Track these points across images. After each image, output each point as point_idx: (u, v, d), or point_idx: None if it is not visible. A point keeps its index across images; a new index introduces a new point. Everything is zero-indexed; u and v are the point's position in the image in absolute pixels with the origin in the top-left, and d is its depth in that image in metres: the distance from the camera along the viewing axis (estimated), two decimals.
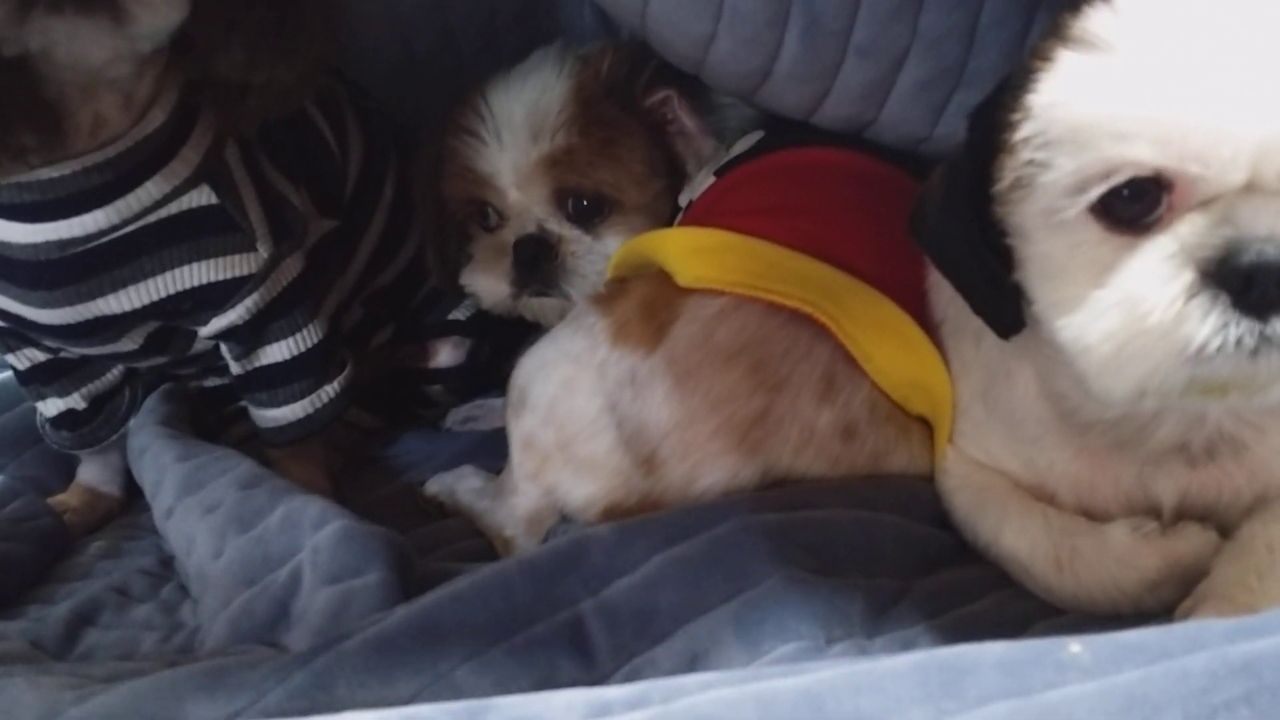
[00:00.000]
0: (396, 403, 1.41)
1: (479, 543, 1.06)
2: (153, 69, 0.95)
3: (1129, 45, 0.64)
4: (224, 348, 1.12)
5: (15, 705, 0.71)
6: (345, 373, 1.17)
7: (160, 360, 1.16)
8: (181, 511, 1.04)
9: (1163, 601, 0.77)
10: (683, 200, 1.17)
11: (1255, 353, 0.62)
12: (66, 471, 1.25)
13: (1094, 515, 0.83)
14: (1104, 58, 0.64)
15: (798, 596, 0.77)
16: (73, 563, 1.11)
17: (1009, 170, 0.70)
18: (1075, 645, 0.48)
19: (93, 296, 0.99)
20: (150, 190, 0.97)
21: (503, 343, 1.36)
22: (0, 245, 0.96)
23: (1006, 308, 0.76)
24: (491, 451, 1.17)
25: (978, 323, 0.80)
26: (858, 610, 0.78)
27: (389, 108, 1.36)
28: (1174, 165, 0.62)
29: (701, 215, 1.08)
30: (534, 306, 1.22)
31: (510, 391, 1.05)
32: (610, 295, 1.02)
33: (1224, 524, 0.79)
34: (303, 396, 1.13)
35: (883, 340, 0.90)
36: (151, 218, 0.98)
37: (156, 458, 1.12)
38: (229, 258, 1.03)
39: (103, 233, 0.96)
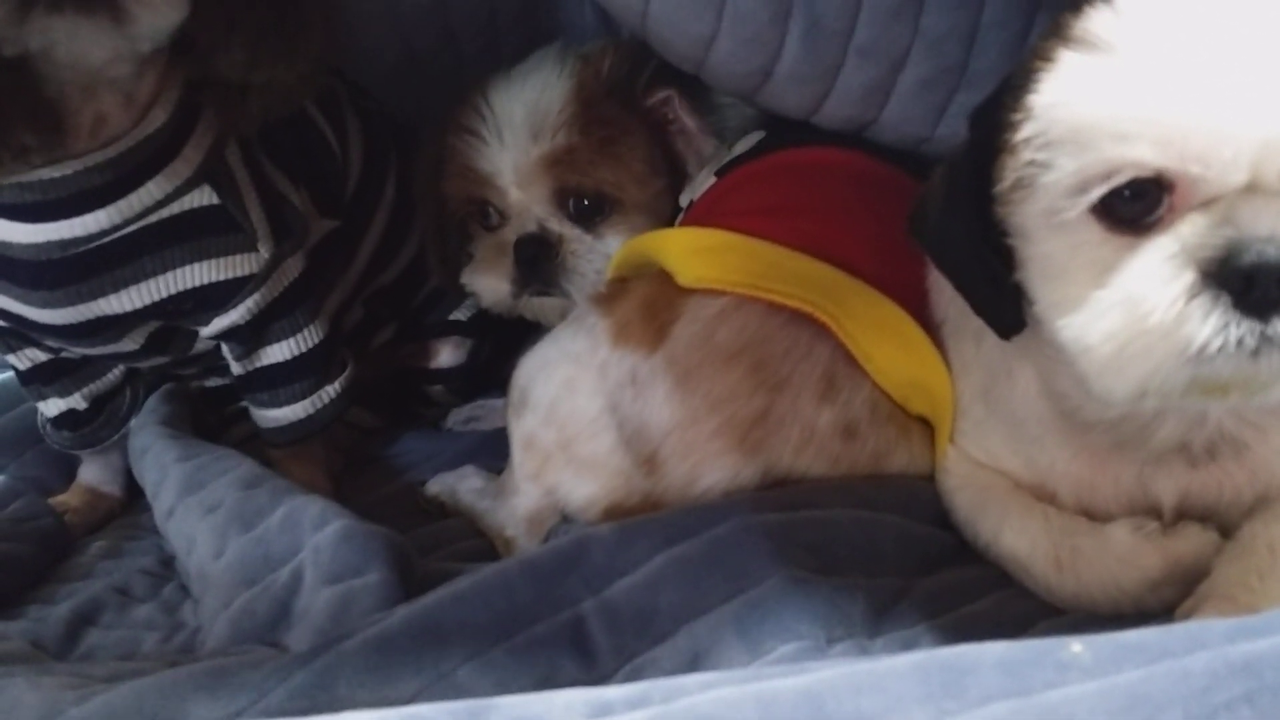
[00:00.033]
0: (397, 403, 1.41)
1: (480, 543, 1.06)
2: (154, 69, 0.95)
3: (1130, 46, 0.64)
4: (225, 348, 1.12)
5: (16, 705, 0.71)
6: (346, 373, 1.17)
7: (161, 360, 1.16)
8: (182, 511, 1.04)
9: (1164, 601, 0.77)
10: (683, 200, 1.17)
11: (1256, 353, 0.62)
12: (67, 472, 1.25)
13: (1095, 515, 0.83)
14: (1105, 58, 0.64)
15: (799, 596, 0.77)
16: (74, 563, 1.11)
17: (1010, 170, 0.70)
18: (1076, 645, 0.48)
19: (94, 296, 0.99)
20: (151, 190, 0.97)
21: (504, 343, 1.36)
22: (2, 245, 0.96)
23: (1007, 308, 0.76)
24: (492, 452, 1.17)
25: (978, 323, 0.80)
26: (859, 610, 0.78)
27: (389, 108, 1.36)
28: (1175, 166, 0.62)
29: (702, 215, 1.08)
30: (534, 306, 1.22)
31: (511, 392, 1.05)
32: (611, 295, 1.02)
33: (1225, 524, 0.79)
34: (304, 397, 1.13)
35: (883, 340, 0.90)
36: (153, 218, 0.98)
37: (158, 458, 1.12)
38: (230, 258, 1.03)
39: (104, 233, 0.96)
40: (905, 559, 0.85)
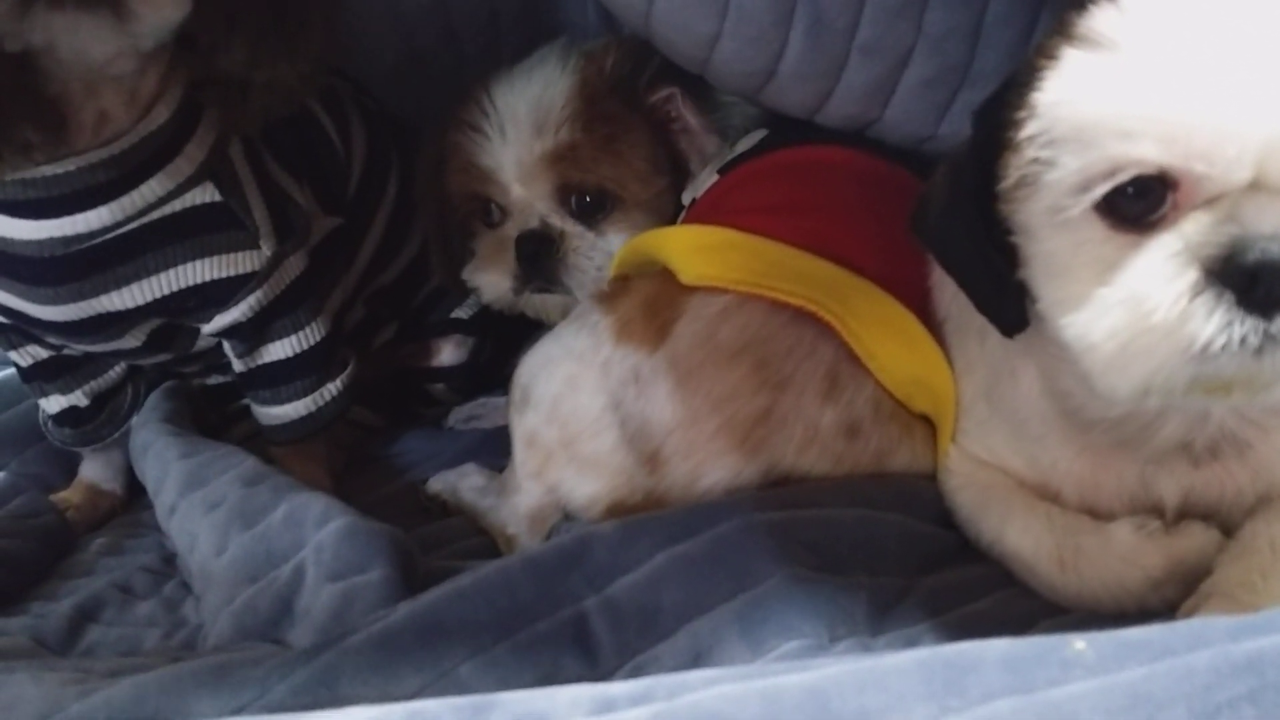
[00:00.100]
0: (399, 401, 1.41)
1: (482, 541, 1.06)
2: (156, 66, 0.96)
3: (1134, 43, 0.64)
4: (227, 345, 1.12)
5: (18, 701, 0.71)
6: (348, 371, 1.17)
7: (163, 357, 1.16)
8: (184, 509, 1.04)
9: (1166, 600, 0.77)
10: (686, 198, 1.17)
11: (1259, 351, 0.61)
12: (69, 469, 1.25)
13: (1097, 514, 0.83)
14: (1109, 56, 0.64)
15: (801, 595, 0.77)
16: (75, 560, 1.11)
17: (1014, 168, 0.70)
18: (1079, 642, 0.48)
19: (96, 293, 0.99)
20: (154, 187, 0.97)
21: (505, 341, 1.36)
22: (4, 242, 0.96)
23: (1010, 306, 0.76)
24: (494, 450, 1.17)
25: (981, 321, 0.80)
26: (861, 608, 0.78)
27: (391, 106, 1.36)
28: (1179, 163, 0.62)
29: (705, 213, 1.08)
30: (536, 303, 1.22)
31: (513, 389, 1.05)
32: (613, 293, 1.02)
33: (1227, 523, 0.79)
34: (305, 394, 1.13)
35: (886, 338, 0.90)
36: (155, 215, 0.98)
37: (159, 455, 1.12)
38: (232, 255, 1.03)
39: (106, 229, 0.96)
40: (908, 558, 0.85)
